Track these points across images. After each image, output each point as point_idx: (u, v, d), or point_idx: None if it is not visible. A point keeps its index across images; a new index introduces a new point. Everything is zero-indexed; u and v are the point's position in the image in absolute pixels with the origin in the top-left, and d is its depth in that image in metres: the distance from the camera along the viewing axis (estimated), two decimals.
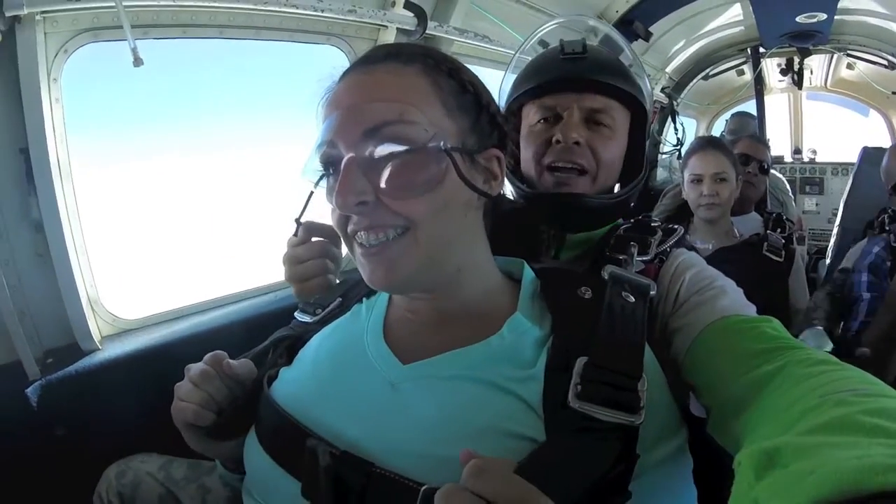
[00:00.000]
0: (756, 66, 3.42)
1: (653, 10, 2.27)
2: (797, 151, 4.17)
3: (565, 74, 0.78)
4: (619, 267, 0.62)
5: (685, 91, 3.49)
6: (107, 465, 0.82)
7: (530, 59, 0.88)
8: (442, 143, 0.51)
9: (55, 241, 1.06)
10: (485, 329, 0.54)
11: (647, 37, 2.31)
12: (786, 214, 2.10)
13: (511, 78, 0.88)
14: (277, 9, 1.24)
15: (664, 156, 3.17)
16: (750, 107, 3.55)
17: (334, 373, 0.57)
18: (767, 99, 4.05)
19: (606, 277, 0.58)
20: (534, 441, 0.47)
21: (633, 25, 2.17)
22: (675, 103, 3.22)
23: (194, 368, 0.61)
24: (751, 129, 2.90)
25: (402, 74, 0.53)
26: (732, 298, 0.63)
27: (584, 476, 0.43)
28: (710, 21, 2.94)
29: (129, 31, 1.01)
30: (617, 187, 0.83)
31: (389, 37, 1.47)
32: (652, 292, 0.58)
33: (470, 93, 0.56)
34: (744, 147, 2.05)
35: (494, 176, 0.58)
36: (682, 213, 1.74)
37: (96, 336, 1.13)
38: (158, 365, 1.10)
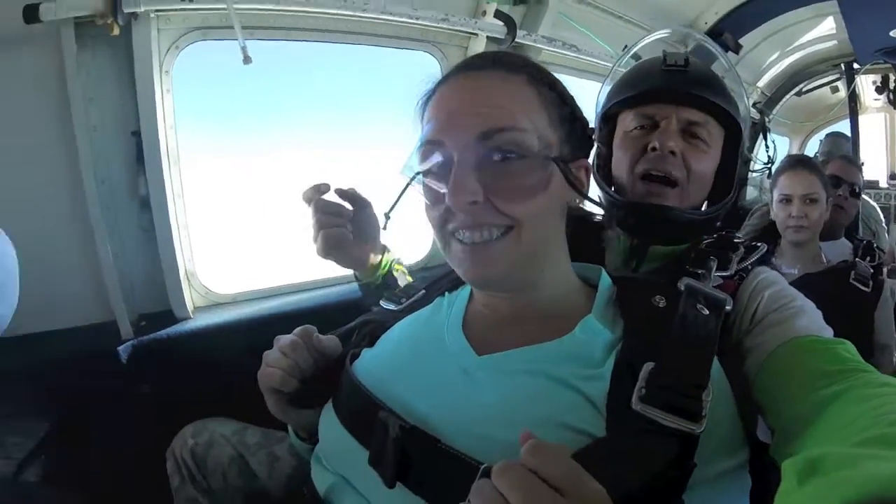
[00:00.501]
0: (850, 82, 3.21)
1: (742, 22, 2.19)
2: (893, 177, 3.88)
3: (666, 85, 0.79)
4: (696, 280, 0.62)
5: (777, 107, 3.31)
6: (183, 425, 0.87)
7: (624, 70, 0.89)
8: (549, 152, 0.55)
9: (160, 216, 1.16)
10: (558, 328, 0.56)
11: (736, 49, 2.23)
12: (877, 244, 1.98)
13: (607, 89, 0.89)
14: (376, 16, 1.31)
15: (754, 174, 3.03)
16: (844, 126, 3.33)
17: (412, 356, 0.61)
18: (862, 118, 3.78)
19: (682, 289, 0.59)
20: (592, 437, 0.48)
21: (722, 37, 2.10)
22: (766, 119, 3.08)
23: (284, 339, 0.65)
24: (844, 151, 2.74)
25: (511, 82, 0.56)
26: (810, 319, 0.62)
27: (636, 474, 0.44)
28: (803, 34, 2.79)
29: (239, 31, 1.11)
30: (705, 206, 0.82)
31: (480, 44, 1.52)
32: (728, 307, 0.58)
33: (567, 105, 0.59)
34: (835, 168, 1.93)
35: (581, 184, 0.60)
36: (768, 234, 1.67)
37: (189, 306, 1.23)
38: (244, 338, 1.16)
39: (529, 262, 0.56)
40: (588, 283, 0.64)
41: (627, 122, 0.81)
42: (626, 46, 1.02)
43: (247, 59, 1.14)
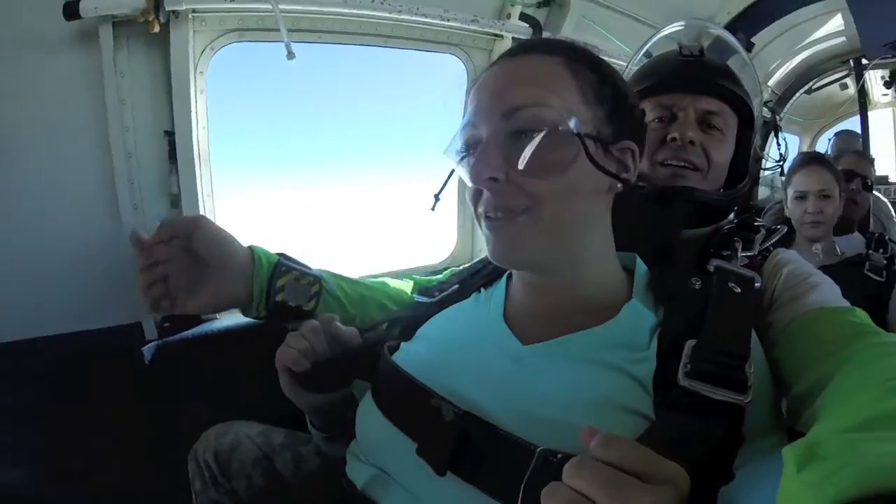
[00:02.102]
0: (859, 78, 3.23)
1: (754, 21, 2.22)
2: None
3: (683, 73, 0.81)
4: (724, 261, 0.64)
5: (788, 105, 3.33)
6: (206, 427, 0.84)
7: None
8: (574, 128, 0.53)
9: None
10: (602, 315, 0.56)
11: (749, 47, 2.26)
12: (888, 236, 2.02)
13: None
14: (408, 17, 1.34)
15: (766, 172, 3.06)
16: (854, 123, 3.36)
17: (458, 346, 0.61)
18: (872, 114, 3.79)
19: (712, 270, 0.61)
20: (644, 416, 0.49)
21: (735, 36, 2.14)
22: (778, 118, 3.11)
23: (307, 323, 0.67)
24: (855, 147, 2.78)
25: (545, 62, 0.57)
26: (824, 292, 0.63)
27: (695, 450, 0.44)
28: (812, 32, 2.81)
29: (284, 32, 1.12)
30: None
31: (505, 46, 1.56)
32: (757, 284, 0.60)
33: (609, 84, 0.59)
34: (848, 163, 2.00)
35: (626, 168, 0.60)
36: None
37: None
38: (269, 340, 1.14)
39: (555, 243, 0.56)
40: (625, 270, 0.64)
41: (647, 112, 0.82)
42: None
43: (290, 55, 1.15)
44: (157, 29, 1.02)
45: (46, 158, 1.05)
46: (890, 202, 2.92)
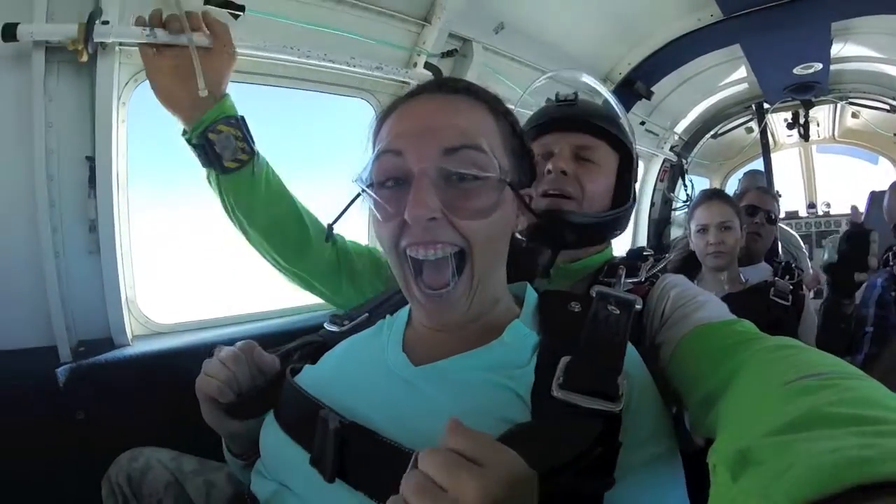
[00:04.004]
0: (761, 121, 3.53)
1: (654, 71, 2.39)
2: (811, 206, 4.21)
3: (558, 116, 0.92)
4: (607, 287, 0.67)
5: (695, 150, 3.58)
6: (118, 452, 0.85)
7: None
8: (505, 176, 0.58)
9: (106, 241, 1.16)
10: (490, 337, 0.60)
11: (648, 95, 2.43)
12: (796, 265, 2.14)
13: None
14: (317, 62, 1.37)
15: (676, 212, 3.24)
16: (761, 164, 3.64)
17: (354, 368, 0.64)
18: (779, 154, 4.14)
19: (594, 295, 0.64)
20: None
21: (634, 86, 2.31)
22: (684, 162, 3.33)
23: (226, 350, 0.68)
24: (760, 184, 2.99)
25: (476, 108, 0.60)
26: (711, 309, 0.68)
27: (559, 450, 0.47)
28: (716, 81, 3.07)
29: (198, 70, 1.08)
30: None
31: None
32: (638, 306, 0.63)
33: (518, 137, 0.65)
34: (751, 199, 2.13)
35: (523, 212, 0.65)
36: (689, 263, 1.78)
37: (129, 334, 1.21)
38: (182, 368, 1.09)
39: (483, 292, 0.60)
40: (517, 298, 0.69)
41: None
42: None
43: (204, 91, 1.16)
44: (84, 58, 1.03)
45: None
46: (800, 235, 3.14)
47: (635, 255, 0.87)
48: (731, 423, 0.45)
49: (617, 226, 0.93)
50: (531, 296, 0.68)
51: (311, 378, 0.64)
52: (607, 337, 0.58)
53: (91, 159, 1.15)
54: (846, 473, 0.26)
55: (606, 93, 1.09)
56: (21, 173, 1.07)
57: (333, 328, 0.76)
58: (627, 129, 0.95)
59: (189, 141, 0.90)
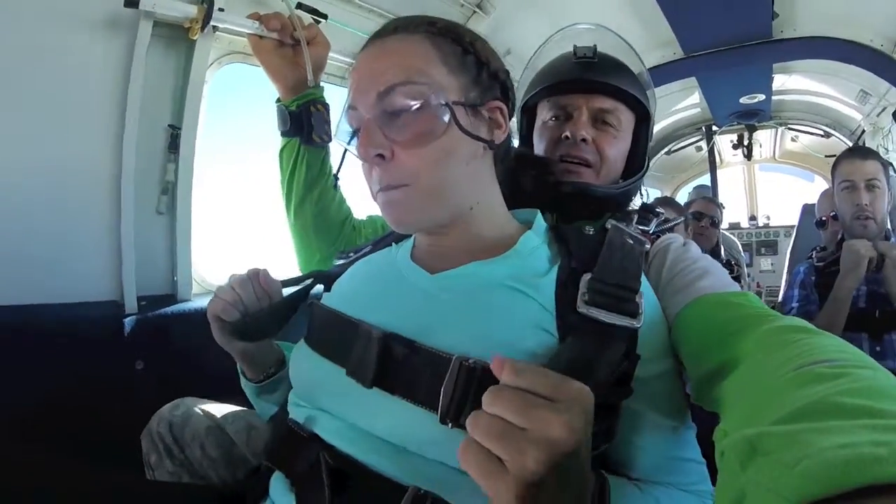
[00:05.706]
0: (709, 141, 3.91)
1: None
2: (752, 218, 4.65)
3: (577, 76, 0.83)
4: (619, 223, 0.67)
5: (651, 163, 3.90)
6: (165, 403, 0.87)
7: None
8: (443, 99, 0.56)
9: (183, 204, 1.26)
10: (499, 250, 0.60)
11: None
12: (738, 270, 2.52)
13: (529, 76, 0.94)
14: None
15: None
16: (708, 178, 4.03)
17: (371, 287, 0.65)
18: (725, 171, 4.55)
19: (608, 227, 0.64)
20: (550, 333, 0.54)
21: None
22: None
23: (236, 275, 0.72)
24: (705, 195, 3.40)
25: (408, 41, 0.59)
26: (715, 278, 0.66)
27: (597, 371, 0.49)
28: (672, 105, 3.39)
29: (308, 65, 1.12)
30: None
31: None
32: (647, 246, 0.63)
33: (471, 53, 0.61)
34: (697, 206, 2.56)
35: (498, 125, 0.63)
36: None
37: (191, 291, 1.30)
38: None
39: (437, 207, 0.59)
40: (526, 223, 0.68)
41: (544, 112, 0.86)
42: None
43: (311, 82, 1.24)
44: (196, 36, 1.14)
45: (64, 132, 1.10)
46: (741, 244, 3.58)
47: (647, 208, 0.83)
48: (738, 406, 0.43)
49: (632, 194, 0.88)
50: (540, 219, 0.67)
51: (331, 302, 0.65)
52: (625, 260, 0.59)
53: (174, 127, 1.25)
54: (857, 472, 0.25)
55: (628, 46, 0.95)
56: (111, 134, 1.13)
57: (340, 261, 0.78)
58: (647, 83, 0.89)
59: (287, 107, 0.95)
